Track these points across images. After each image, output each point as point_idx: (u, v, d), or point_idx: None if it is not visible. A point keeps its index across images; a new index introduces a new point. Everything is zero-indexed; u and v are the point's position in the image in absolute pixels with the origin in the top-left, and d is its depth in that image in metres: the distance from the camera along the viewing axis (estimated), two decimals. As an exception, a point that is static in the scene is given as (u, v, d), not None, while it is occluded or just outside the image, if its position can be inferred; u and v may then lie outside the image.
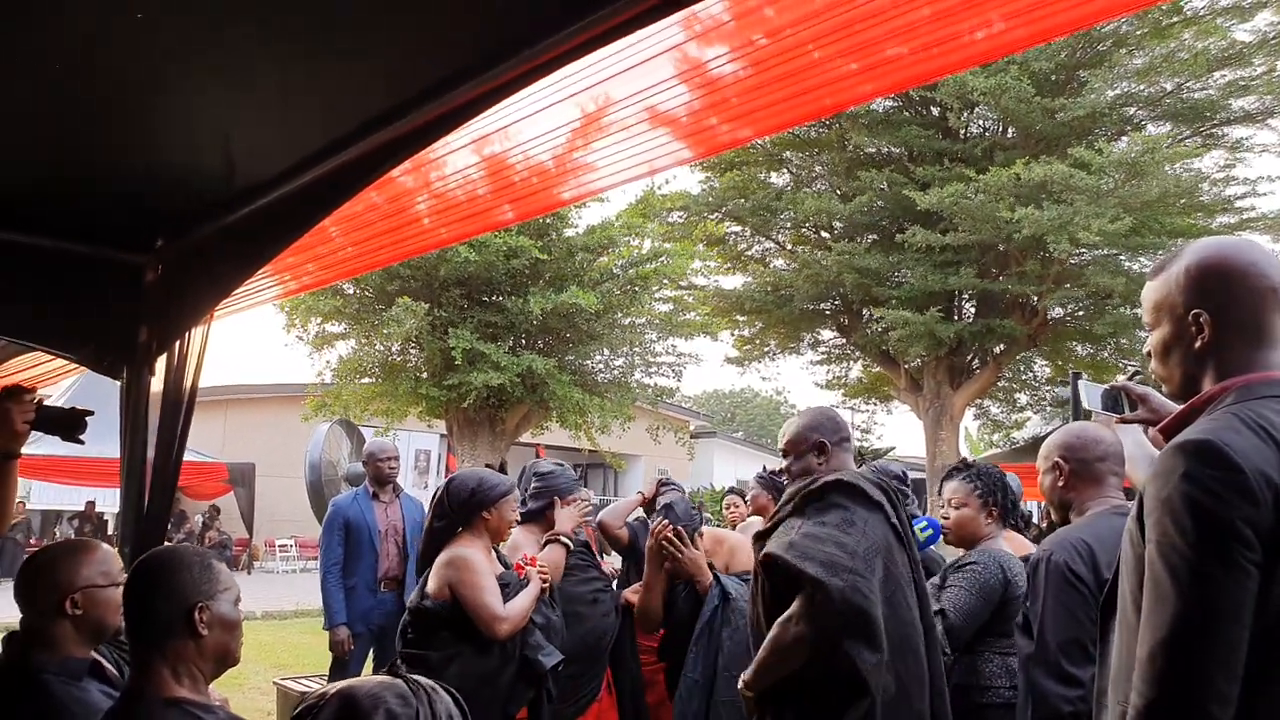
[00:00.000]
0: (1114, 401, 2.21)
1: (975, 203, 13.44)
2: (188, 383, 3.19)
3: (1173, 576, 1.26)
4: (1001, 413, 19.76)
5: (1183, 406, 1.48)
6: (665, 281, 12.30)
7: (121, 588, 1.91)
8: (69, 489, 16.87)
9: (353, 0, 1.70)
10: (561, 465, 3.87)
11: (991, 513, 2.89)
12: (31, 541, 17.11)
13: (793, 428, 2.74)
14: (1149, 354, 1.55)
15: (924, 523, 3.11)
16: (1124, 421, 2.03)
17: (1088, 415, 2.55)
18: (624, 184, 2.39)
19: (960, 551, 2.97)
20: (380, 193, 2.76)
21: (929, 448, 16.44)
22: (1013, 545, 3.31)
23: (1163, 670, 1.25)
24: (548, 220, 10.42)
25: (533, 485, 3.73)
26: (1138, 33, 14.29)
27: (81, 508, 18.68)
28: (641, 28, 1.64)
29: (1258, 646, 1.24)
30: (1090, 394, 2.48)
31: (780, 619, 2.35)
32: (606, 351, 12.16)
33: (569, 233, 11.27)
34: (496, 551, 3.34)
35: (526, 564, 3.24)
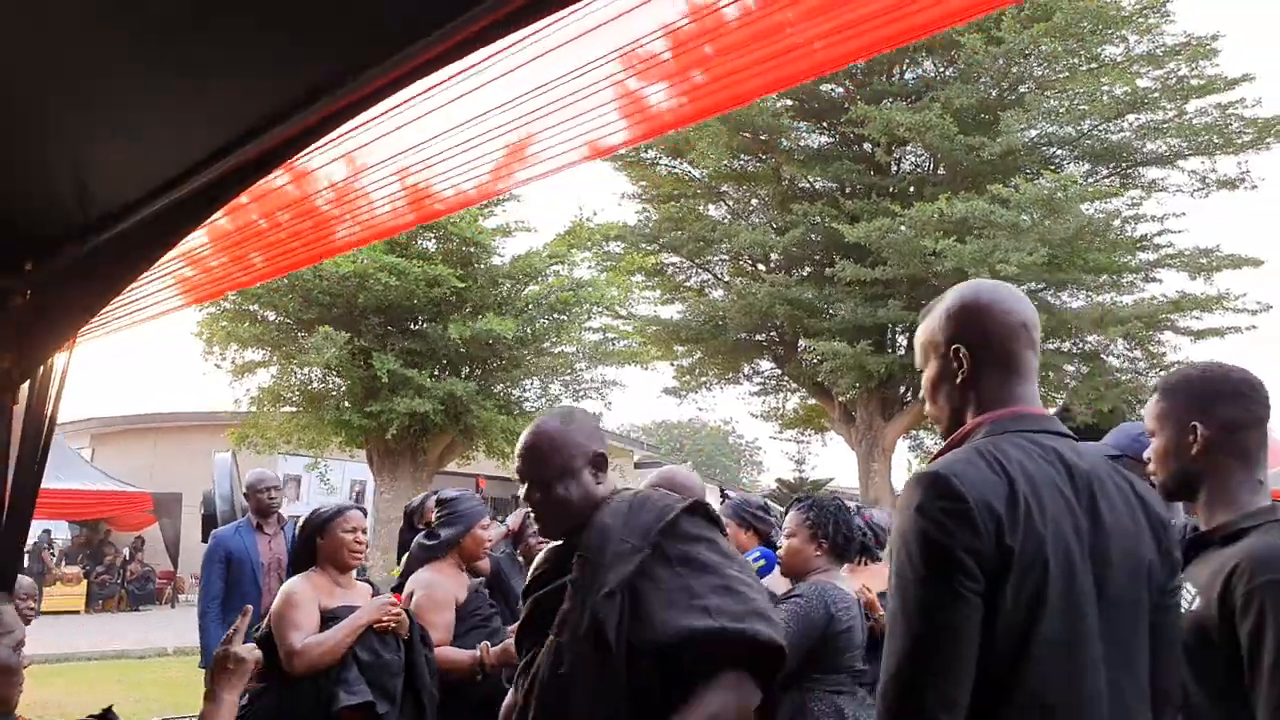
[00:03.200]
0: None
1: (901, 237, 13.72)
2: (48, 409, 3.11)
3: (904, 606, 1.30)
4: (936, 443, 19.97)
5: (946, 443, 1.53)
6: (593, 310, 12.32)
7: None
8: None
9: (206, 17, 1.67)
10: (466, 491, 3.76)
11: (821, 545, 2.82)
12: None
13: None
14: (923, 396, 1.61)
15: (757, 553, 3.08)
16: None
17: None
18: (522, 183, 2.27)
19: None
20: (257, 205, 2.71)
21: (862, 479, 16.60)
22: (868, 580, 3.30)
23: (895, 698, 1.28)
24: (470, 250, 10.41)
25: (440, 513, 3.54)
26: (1059, 77, 14.79)
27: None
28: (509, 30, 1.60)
29: (988, 677, 1.27)
30: None
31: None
32: (535, 380, 12.12)
33: (496, 260, 11.26)
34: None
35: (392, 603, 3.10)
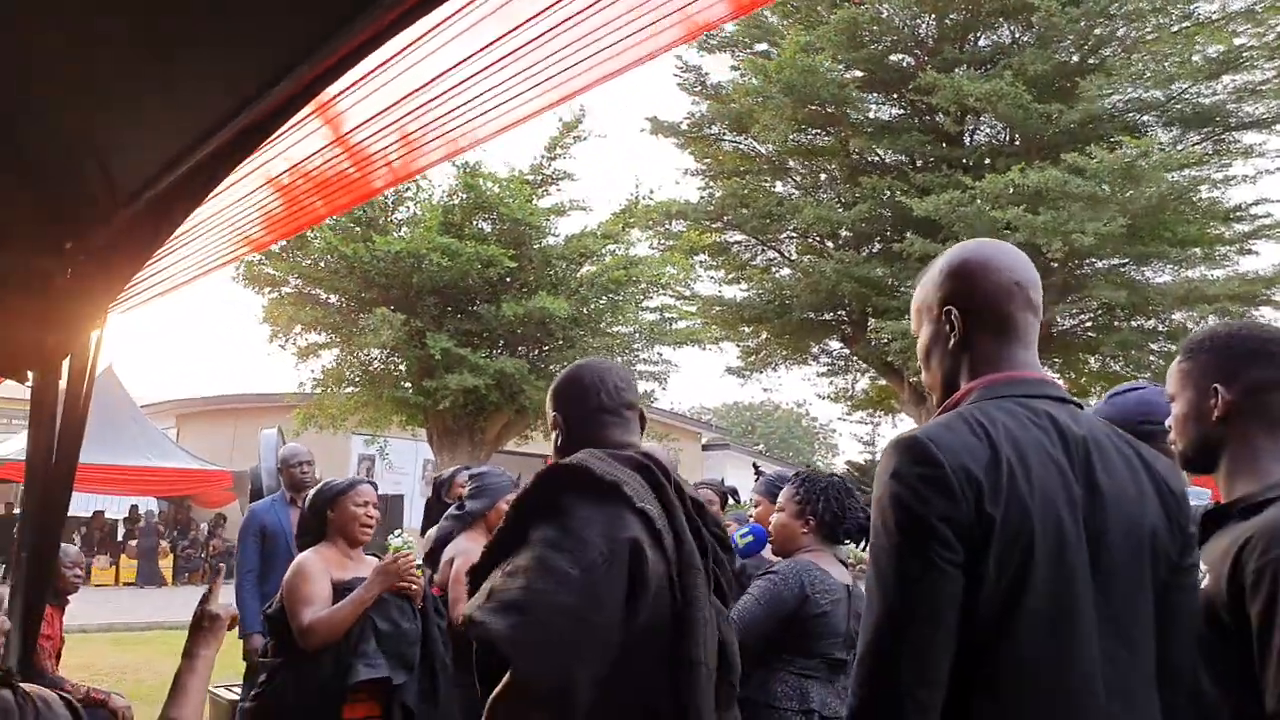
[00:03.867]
0: None
1: (972, 210, 13.21)
2: (85, 384, 3.18)
3: (879, 578, 1.25)
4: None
5: (939, 410, 1.45)
6: (650, 290, 12.20)
7: None
8: (77, 497, 17.06)
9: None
10: (495, 468, 3.88)
11: (809, 522, 2.69)
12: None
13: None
14: (921, 362, 1.54)
15: (746, 529, 2.98)
16: None
17: None
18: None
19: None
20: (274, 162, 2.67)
21: (932, 461, 16.07)
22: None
23: (866, 674, 1.22)
24: (523, 229, 10.41)
25: (470, 486, 3.73)
26: (1147, 37, 13.99)
27: (90, 516, 18.90)
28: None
29: (972, 651, 1.20)
30: None
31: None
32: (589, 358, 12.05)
33: (550, 241, 11.23)
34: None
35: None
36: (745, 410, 46.53)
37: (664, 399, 15.29)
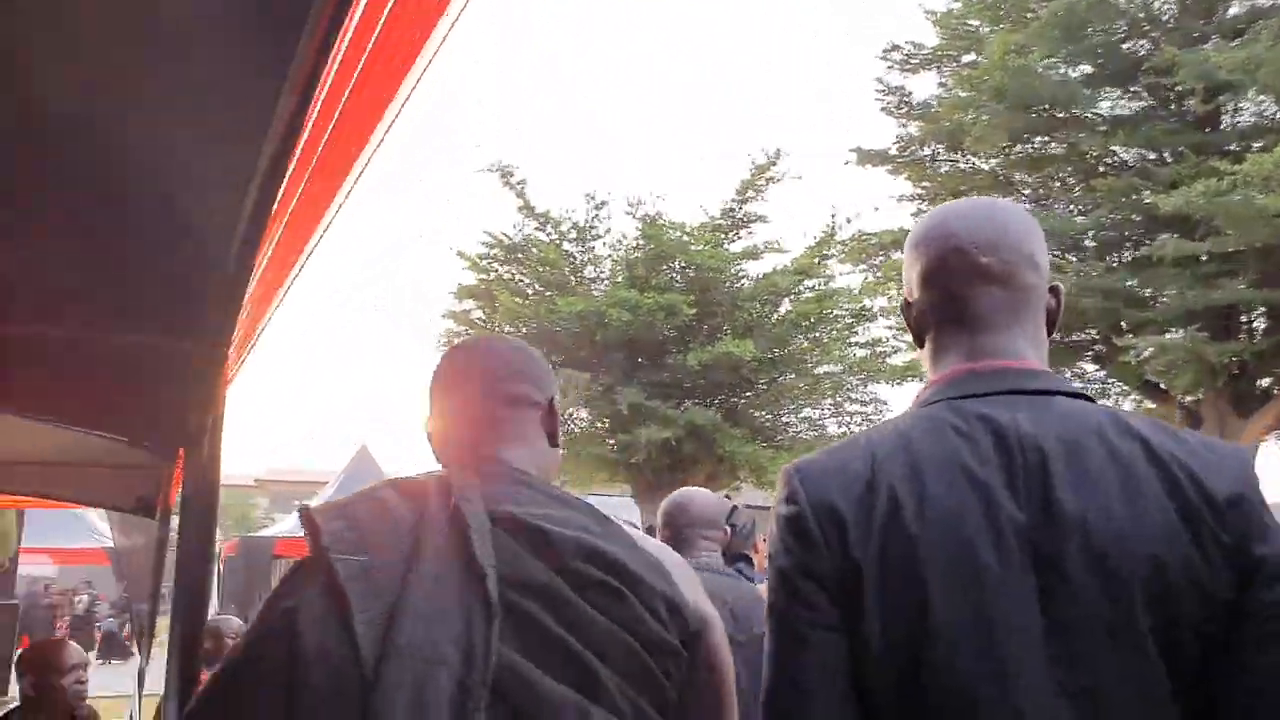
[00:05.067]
0: None
1: (1235, 198, 11.41)
2: (219, 456, 3.35)
3: (765, 635, 1.05)
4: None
5: None
6: (854, 323, 11.51)
7: None
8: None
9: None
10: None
11: None
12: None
13: None
14: None
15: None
16: None
17: None
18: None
19: None
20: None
21: (1219, 493, 13.89)
22: None
23: None
24: (709, 275, 10.22)
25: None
26: None
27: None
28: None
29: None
30: None
31: None
32: (795, 404, 11.54)
33: (741, 284, 10.93)
34: None
35: None
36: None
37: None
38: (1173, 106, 14.10)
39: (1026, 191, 16.65)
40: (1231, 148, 13.28)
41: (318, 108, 1.41)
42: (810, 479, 1.02)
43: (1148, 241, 13.46)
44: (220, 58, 1.34)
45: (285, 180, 1.77)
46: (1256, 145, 12.98)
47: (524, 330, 10.62)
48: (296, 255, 2.15)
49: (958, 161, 16.54)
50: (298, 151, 1.59)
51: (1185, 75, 12.25)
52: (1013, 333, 1.09)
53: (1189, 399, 14.44)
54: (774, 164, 11.72)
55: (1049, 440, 0.98)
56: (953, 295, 1.10)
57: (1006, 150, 15.44)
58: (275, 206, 1.89)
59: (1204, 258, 12.81)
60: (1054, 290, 1.15)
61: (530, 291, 10.87)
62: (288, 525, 14.01)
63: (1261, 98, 13.24)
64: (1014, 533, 0.94)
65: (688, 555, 2.30)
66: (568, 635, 1.04)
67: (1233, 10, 13.91)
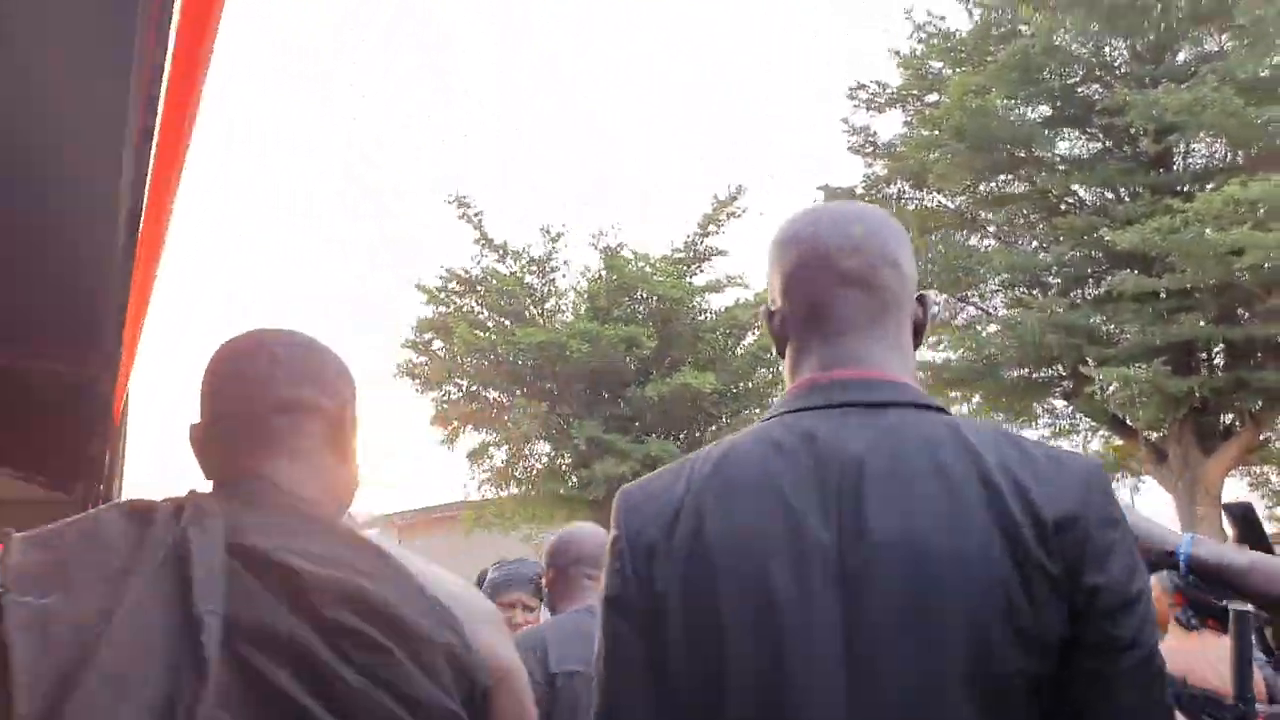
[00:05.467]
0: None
1: (1187, 235, 11.65)
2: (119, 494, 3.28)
3: None
4: (1277, 475, 16.54)
5: None
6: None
7: None
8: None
9: None
10: (528, 559, 3.65)
11: None
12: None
13: None
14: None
15: None
16: None
17: None
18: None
19: None
20: None
21: (1185, 527, 13.96)
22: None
23: None
24: (667, 306, 10.30)
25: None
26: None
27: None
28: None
29: None
30: None
31: None
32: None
33: (701, 318, 11.03)
34: None
35: None
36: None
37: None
38: (1127, 148, 14.41)
39: (992, 229, 16.91)
40: (1184, 187, 13.60)
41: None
42: (630, 505, 0.97)
43: (1109, 278, 13.68)
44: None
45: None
46: (1210, 186, 13.30)
47: (484, 362, 10.67)
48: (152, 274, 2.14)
49: (924, 200, 16.81)
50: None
51: (1136, 117, 12.57)
52: (870, 340, 1.01)
53: (1154, 435, 14.56)
54: (735, 199, 11.90)
55: (874, 456, 0.90)
56: (812, 301, 1.03)
57: (971, 189, 15.70)
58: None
59: (1163, 294, 13.03)
60: (921, 300, 1.07)
61: (490, 324, 10.92)
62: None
63: (1207, 139, 13.59)
64: (821, 559, 0.86)
65: (573, 597, 2.17)
66: (310, 700, 0.86)
67: (1181, 56, 14.33)
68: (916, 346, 1.08)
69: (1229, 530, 1.68)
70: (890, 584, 0.84)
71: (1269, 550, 1.49)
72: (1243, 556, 1.24)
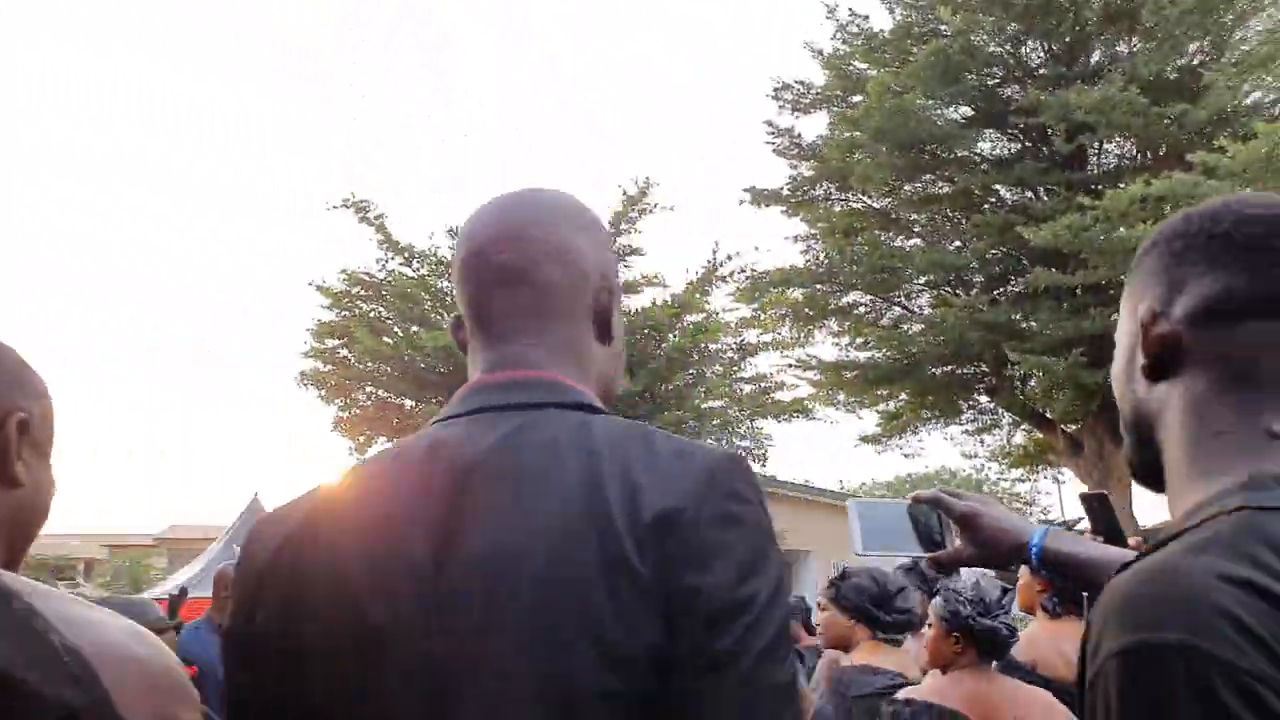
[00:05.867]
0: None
1: (1096, 232, 11.90)
2: None
3: None
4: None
5: None
6: (737, 359, 11.55)
7: None
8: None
9: None
10: None
11: None
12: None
13: None
14: None
15: None
16: None
17: None
18: None
19: None
20: None
21: (1100, 517, 14.25)
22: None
23: None
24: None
25: None
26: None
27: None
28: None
29: None
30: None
31: None
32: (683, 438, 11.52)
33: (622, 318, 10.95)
34: None
35: None
36: (921, 481, 43.95)
37: (782, 473, 14.48)
38: (1044, 148, 14.68)
39: (917, 229, 17.10)
40: (1098, 186, 13.88)
41: None
42: (253, 532, 0.88)
43: (1027, 276, 13.91)
44: None
45: None
46: (1122, 185, 13.61)
47: (387, 368, 10.40)
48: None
49: (849, 200, 16.92)
50: None
51: (1048, 116, 12.81)
52: (528, 339, 0.92)
53: (1071, 427, 14.85)
54: (645, 194, 11.76)
55: (489, 464, 0.81)
56: (473, 301, 0.95)
57: (895, 190, 15.85)
58: None
59: (1077, 290, 13.29)
60: (607, 288, 0.98)
61: (396, 329, 10.64)
62: (173, 583, 13.49)
63: (1118, 138, 13.90)
64: (414, 579, 0.77)
65: None
66: None
67: (1095, 56, 14.63)
68: (606, 339, 0.98)
69: (1085, 521, 1.66)
70: (471, 601, 0.75)
71: (1120, 540, 1.46)
72: (1092, 549, 1.22)
